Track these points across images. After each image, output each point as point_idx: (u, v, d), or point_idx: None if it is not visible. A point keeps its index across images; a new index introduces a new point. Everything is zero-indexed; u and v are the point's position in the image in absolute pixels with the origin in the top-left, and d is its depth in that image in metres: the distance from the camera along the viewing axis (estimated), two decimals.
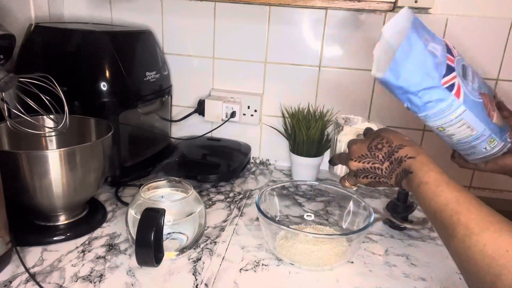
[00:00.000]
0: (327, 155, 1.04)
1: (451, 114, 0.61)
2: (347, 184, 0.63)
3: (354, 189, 0.70)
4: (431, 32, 0.61)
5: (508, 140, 0.68)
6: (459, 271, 0.44)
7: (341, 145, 0.78)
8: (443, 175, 0.49)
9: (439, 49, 0.60)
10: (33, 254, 0.68)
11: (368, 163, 0.56)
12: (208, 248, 0.73)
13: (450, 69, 0.60)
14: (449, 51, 0.61)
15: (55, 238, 0.72)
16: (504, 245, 0.39)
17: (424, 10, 0.96)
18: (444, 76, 0.59)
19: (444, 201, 0.46)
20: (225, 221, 0.83)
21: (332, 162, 0.70)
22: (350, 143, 0.60)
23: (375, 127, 0.70)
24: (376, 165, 0.55)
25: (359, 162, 0.57)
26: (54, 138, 0.83)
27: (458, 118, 0.61)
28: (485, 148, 0.67)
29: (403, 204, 0.85)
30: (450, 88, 0.60)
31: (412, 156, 0.52)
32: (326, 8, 1.00)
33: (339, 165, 0.76)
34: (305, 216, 0.82)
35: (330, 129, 1.04)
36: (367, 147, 0.57)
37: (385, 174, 0.55)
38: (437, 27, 0.97)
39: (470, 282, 0.42)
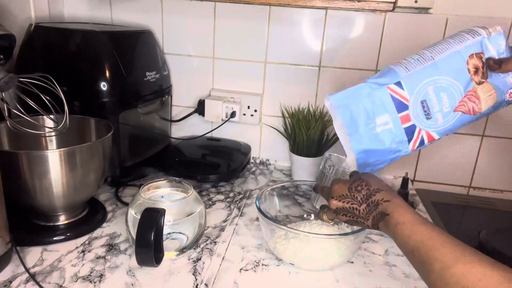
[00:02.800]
0: None
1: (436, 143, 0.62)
2: (325, 218, 0.66)
3: (331, 223, 0.71)
4: (373, 101, 0.60)
5: (509, 100, 0.62)
6: None
7: (328, 181, 0.80)
8: (417, 215, 0.52)
9: (389, 117, 0.59)
10: (33, 254, 0.68)
11: (347, 203, 0.59)
12: (208, 248, 0.73)
13: (410, 130, 0.59)
14: (398, 104, 0.59)
15: (55, 238, 0.72)
16: (477, 275, 0.41)
17: (424, 10, 0.96)
18: (409, 141, 0.60)
19: (419, 238, 0.48)
20: (225, 221, 0.83)
21: (315, 190, 0.72)
22: (333, 182, 0.63)
23: None
24: (355, 206, 0.58)
25: (339, 201, 0.60)
26: (54, 138, 0.83)
27: (444, 136, 0.61)
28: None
29: None
30: (421, 143, 0.60)
31: (388, 199, 0.55)
32: (326, 8, 1.00)
33: (319, 201, 0.78)
34: (305, 216, 0.82)
35: (330, 129, 1.04)
36: (348, 187, 0.60)
37: (362, 215, 0.58)
38: (437, 27, 0.97)
39: None
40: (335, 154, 0.82)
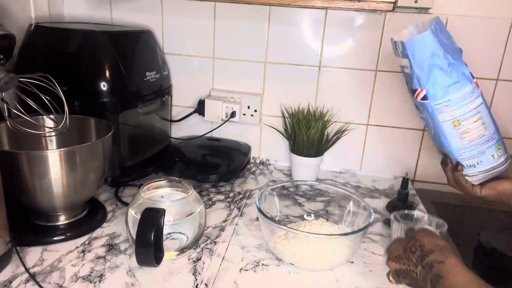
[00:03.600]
0: (327, 155, 1.04)
1: (471, 103, 0.62)
2: (391, 279, 0.62)
3: (400, 286, 0.67)
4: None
5: (508, 154, 0.67)
6: None
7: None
8: (471, 278, 0.51)
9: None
10: (33, 254, 0.68)
11: (403, 264, 0.57)
12: (208, 248, 0.73)
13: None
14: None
15: (55, 238, 0.72)
16: None
17: (424, 10, 0.96)
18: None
19: None
20: (225, 221, 0.83)
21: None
22: (390, 245, 0.61)
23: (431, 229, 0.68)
24: (411, 268, 0.56)
25: (396, 262, 0.58)
26: (54, 138, 0.83)
27: (476, 110, 0.62)
28: (493, 156, 0.65)
29: (403, 204, 0.85)
30: (472, 75, 0.62)
31: (441, 260, 0.53)
32: (326, 8, 1.00)
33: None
34: (305, 216, 0.82)
35: (330, 129, 1.04)
36: (403, 248, 0.58)
37: (420, 277, 0.56)
38: None
39: None
40: (400, 212, 0.75)
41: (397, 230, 0.71)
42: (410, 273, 0.56)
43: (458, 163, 0.70)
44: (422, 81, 0.64)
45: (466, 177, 0.71)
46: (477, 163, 0.67)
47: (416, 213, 0.75)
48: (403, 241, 0.59)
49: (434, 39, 0.61)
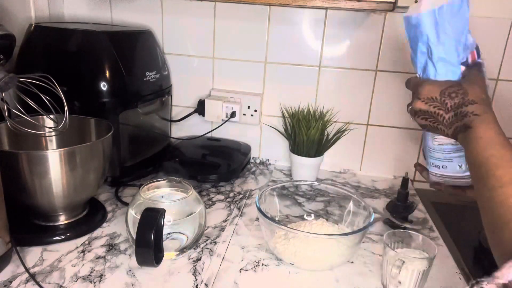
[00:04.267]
0: (327, 155, 1.04)
1: None
2: (410, 113, 0.60)
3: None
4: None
5: None
6: (484, 226, 0.48)
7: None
8: (500, 136, 0.50)
9: (471, 40, 0.61)
10: (33, 254, 0.68)
11: (434, 107, 0.55)
12: (208, 248, 0.73)
13: (466, 64, 0.60)
14: (477, 49, 0.61)
15: (55, 238, 0.72)
16: None
17: None
18: (462, 64, 0.59)
19: (488, 155, 0.48)
20: (225, 221, 0.83)
21: (408, 83, 0.64)
22: (424, 82, 0.57)
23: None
24: (441, 112, 0.54)
25: (425, 103, 0.56)
26: (54, 138, 0.83)
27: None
28: (460, 166, 0.63)
29: (403, 204, 0.85)
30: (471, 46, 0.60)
31: (478, 114, 0.52)
32: (326, 8, 1.00)
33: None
34: (305, 216, 0.82)
35: (330, 129, 1.04)
36: (440, 91, 0.55)
37: (446, 123, 0.54)
38: None
39: (490, 235, 0.45)
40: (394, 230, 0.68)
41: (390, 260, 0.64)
42: (437, 116, 0.54)
43: (418, 164, 0.72)
44: (415, 66, 0.61)
45: (429, 174, 0.69)
46: (441, 166, 0.66)
47: (410, 233, 0.68)
48: (442, 84, 0.56)
49: (431, 22, 0.56)
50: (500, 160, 0.46)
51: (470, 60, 0.60)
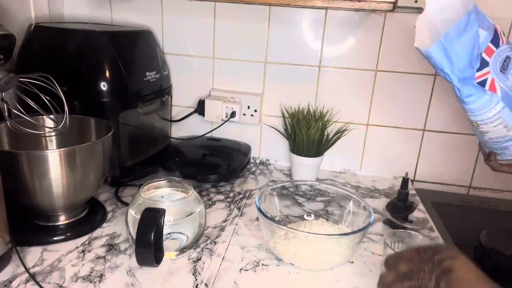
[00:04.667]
0: (327, 155, 1.04)
1: (489, 112, 0.60)
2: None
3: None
4: (481, 14, 0.59)
5: None
6: None
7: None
8: (482, 275, 0.50)
9: (483, 37, 0.59)
10: (33, 254, 0.68)
11: (415, 266, 0.55)
12: (208, 248, 0.73)
13: (484, 64, 0.58)
14: (495, 39, 0.59)
15: (55, 238, 0.72)
16: None
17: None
18: (478, 70, 0.59)
19: None
20: (225, 221, 0.83)
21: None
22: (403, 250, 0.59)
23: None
24: (422, 267, 0.55)
25: (406, 264, 0.56)
26: (54, 138, 0.83)
27: (496, 116, 0.60)
28: None
29: (403, 204, 0.85)
30: (483, 83, 0.59)
31: (453, 256, 0.53)
32: (326, 8, 1.00)
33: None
34: (305, 216, 0.82)
35: (330, 129, 1.04)
36: (416, 250, 0.56)
37: (426, 276, 0.54)
38: None
39: None
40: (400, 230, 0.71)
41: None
42: (419, 273, 0.55)
43: (490, 154, 0.72)
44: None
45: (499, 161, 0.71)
46: (501, 153, 0.69)
47: (410, 233, 0.70)
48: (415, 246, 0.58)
49: (440, 53, 0.57)
50: None
51: (487, 58, 0.59)
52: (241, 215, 0.86)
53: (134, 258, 0.63)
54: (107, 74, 0.86)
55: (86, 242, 0.72)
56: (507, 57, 0.60)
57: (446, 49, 0.57)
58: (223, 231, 0.79)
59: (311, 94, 1.08)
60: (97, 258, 0.68)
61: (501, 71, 0.59)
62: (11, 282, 0.61)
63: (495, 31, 0.59)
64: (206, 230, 0.78)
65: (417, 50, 0.61)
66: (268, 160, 1.15)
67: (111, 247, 0.71)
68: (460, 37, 0.56)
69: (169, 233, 0.68)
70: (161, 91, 1.03)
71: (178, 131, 1.17)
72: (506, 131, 0.63)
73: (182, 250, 0.70)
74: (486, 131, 0.64)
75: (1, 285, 0.60)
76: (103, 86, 0.85)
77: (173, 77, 1.11)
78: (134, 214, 0.68)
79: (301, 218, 0.82)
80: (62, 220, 0.75)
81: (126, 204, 0.85)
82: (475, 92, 0.59)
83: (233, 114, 1.09)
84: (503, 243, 0.79)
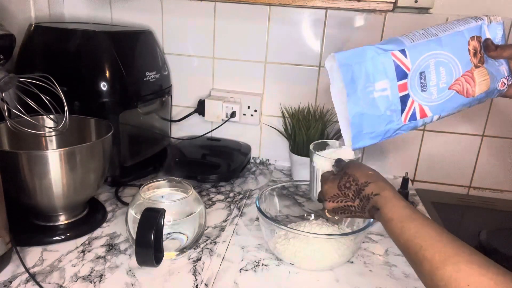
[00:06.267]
0: None
1: (430, 123, 0.62)
2: (328, 214, 0.63)
3: (337, 218, 0.69)
4: (374, 64, 0.59)
5: (500, 89, 0.63)
6: None
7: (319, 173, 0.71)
8: (406, 209, 0.50)
9: (388, 84, 0.59)
10: (33, 254, 0.68)
11: (341, 202, 0.58)
12: (208, 248, 0.73)
13: (404, 99, 0.59)
14: (398, 71, 0.59)
15: (55, 238, 0.72)
16: (465, 279, 0.40)
17: (424, 10, 0.96)
18: (402, 111, 0.60)
19: (408, 236, 0.47)
20: (225, 221, 0.83)
21: (320, 199, 0.67)
22: (322, 183, 0.62)
23: (349, 155, 0.68)
24: (349, 203, 0.57)
25: (333, 202, 0.59)
26: (54, 138, 0.83)
27: (439, 119, 0.62)
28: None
29: None
30: (413, 117, 0.60)
31: (377, 193, 0.54)
32: (326, 8, 1.00)
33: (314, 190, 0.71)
34: (305, 216, 0.82)
35: (330, 129, 1.04)
36: (337, 186, 0.59)
37: (358, 209, 0.57)
38: None
39: None
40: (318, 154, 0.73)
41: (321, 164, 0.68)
42: (349, 208, 0.57)
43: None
44: None
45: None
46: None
47: (331, 142, 0.74)
48: (335, 180, 0.59)
49: (362, 143, 0.60)
50: (421, 239, 0.46)
51: (403, 93, 0.60)
52: (241, 215, 0.85)
53: (134, 258, 0.63)
54: (107, 74, 0.86)
55: (86, 242, 0.72)
56: (421, 74, 0.60)
57: (362, 140, 0.60)
58: (223, 231, 0.79)
59: (311, 94, 1.08)
60: (97, 258, 0.68)
61: (422, 91, 0.60)
62: (11, 282, 0.61)
63: (394, 62, 0.59)
64: (206, 230, 0.78)
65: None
66: (268, 160, 1.15)
67: (111, 247, 0.71)
68: (361, 128, 0.59)
69: (169, 233, 0.68)
70: (161, 91, 1.03)
71: (178, 131, 1.17)
72: (457, 110, 0.63)
73: (182, 250, 0.70)
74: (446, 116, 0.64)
75: (1, 285, 0.60)
76: (103, 86, 0.85)
77: (173, 77, 1.11)
78: (134, 214, 0.68)
79: (301, 218, 0.82)
80: (62, 220, 0.75)
81: (126, 204, 0.85)
82: (412, 127, 0.61)
83: (233, 114, 1.09)
84: (503, 243, 0.79)
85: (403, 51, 0.59)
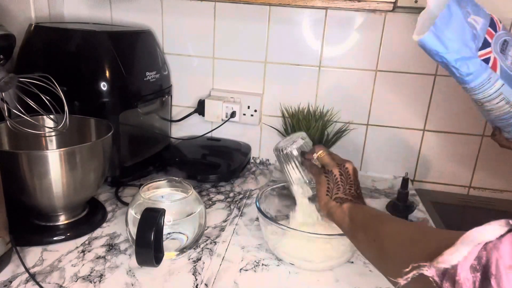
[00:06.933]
0: None
1: (490, 88, 0.64)
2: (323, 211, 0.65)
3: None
4: (477, 5, 0.65)
5: None
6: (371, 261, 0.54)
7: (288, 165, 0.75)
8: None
9: (480, 23, 0.63)
10: (33, 254, 0.68)
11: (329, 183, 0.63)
12: (208, 248, 0.73)
13: (486, 44, 0.63)
14: (492, 25, 0.64)
15: (55, 238, 0.72)
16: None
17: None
18: (480, 49, 0.63)
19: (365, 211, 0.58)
20: (225, 221, 0.83)
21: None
22: (319, 198, 0.64)
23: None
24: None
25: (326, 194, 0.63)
26: (54, 138, 0.83)
27: (497, 92, 0.64)
28: None
29: (403, 204, 0.85)
30: (486, 61, 0.63)
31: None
32: (326, 8, 1.00)
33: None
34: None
35: (330, 129, 1.04)
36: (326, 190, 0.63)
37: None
38: None
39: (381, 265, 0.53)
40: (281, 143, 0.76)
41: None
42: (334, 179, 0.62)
43: (494, 129, 0.76)
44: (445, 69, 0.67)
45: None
46: (507, 131, 0.72)
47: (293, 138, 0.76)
48: (321, 188, 0.63)
49: (434, 40, 0.62)
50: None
51: (489, 39, 0.64)
52: (241, 215, 0.86)
53: (134, 258, 0.63)
54: (107, 74, 0.86)
55: (86, 242, 0.72)
56: (505, 41, 0.65)
57: (438, 36, 0.62)
58: (223, 231, 0.79)
59: (311, 94, 1.08)
60: (97, 258, 0.68)
61: (501, 52, 0.64)
62: (11, 282, 0.61)
63: (492, 19, 0.65)
64: (206, 230, 0.78)
65: (415, 42, 0.65)
66: (268, 160, 1.15)
67: (111, 247, 0.71)
68: (448, 24, 0.62)
69: (169, 233, 0.68)
70: (161, 91, 1.03)
71: (178, 131, 1.17)
72: (509, 108, 0.66)
73: (182, 250, 0.70)
74: (491, 109, 0.67)
75: (1, 285, 0.60)
76: (103, 86, 0.85)
77: (173, 77, 1.11)
78: (134, 214, 0.68)
79: None
80: (62, 220, 0.75)
81: (126, 204, 0.85)
82: (474, 70, 0.63)
83: (233, 114, 1.09)
84: None
85: (494, 20, 0.66)
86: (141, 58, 0.96)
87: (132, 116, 0.93)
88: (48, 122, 0.81)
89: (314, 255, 0.67)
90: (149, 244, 0.60)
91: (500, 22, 0.66)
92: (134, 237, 0.62)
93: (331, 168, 0.63)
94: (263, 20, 1.04)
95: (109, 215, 0.81)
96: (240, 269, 0.68)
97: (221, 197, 0.93)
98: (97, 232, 0.76)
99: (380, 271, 0.51)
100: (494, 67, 0.63)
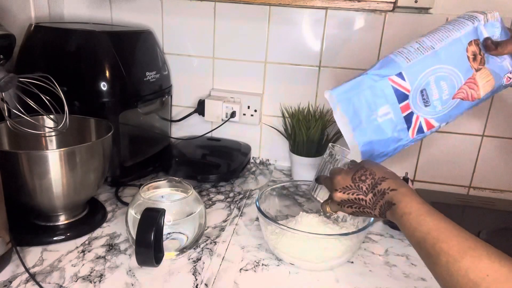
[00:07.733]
0: None
1: (436, 132, 0.63)
2: (328, 209, 0.63)
3: (335, 215, 0.70)
4: (372, 85, 0.61)
5: (506, 84, 0.63)
6: None
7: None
8: (424, 205, 0.51)
9: (389, 108, 0.60)
10: (33, 254, 0.68)
11: (352, 194, 0.57)
12: (208, 248, 0.73)
13: (409, 117, 0.60)
14: (399, 95, 0.59)
15: (55, 238, 0.72)
16: (484, 269, 0.41)
17: (424, 10, 0.95)
18: (409, 128, 0.60)
19: (426, 230, 0.48)
20: (225, 221, 0.83)
21: (318, 180, 0.69)
22: (334, 174, 0.61)
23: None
24: (360, 197, 0.57)
25: (343, 193, 0.58)
26: (54, 138, 0.83)
27: (447, 124, 0.63)
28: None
29: None
30: (420, 130, 0.61)
31: (394, 188, 0.54)
32: (326, 8, 1.00)
33: (321, 191, 0.72)
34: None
35: (330, 129, 1.04)
36: (351, 178, 0.58)
37: (369, 205, 0.56)
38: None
39: None
40: (339, 146, 0.75)
41: (333, 161, 0.70)
42: (359, 201, 0.57)
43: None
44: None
45: None
46: None
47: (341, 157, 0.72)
48: (349, 172, 0.59)
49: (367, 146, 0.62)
50: (439, 232, 0.46)
51: (405, 112, 0.61)
52: (241, 215, 0.86)
53: (134, 258, 0.64)
54: (107, 74, 0.86)
55: (86, 242, 0.72)
56: (422, 91, 0.60)
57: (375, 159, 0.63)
58: (223, 231, 0.79)
59: (311, 94, 1.08)
60: (97, 258, 0.68)
61: (426, 107, 0.60)
62: (11, 282, 0.61)
63: (392, 86, 0.60)
64: (206, 230, 0.78)
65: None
66: (268, 160, 1.15)
67: (111, 247, 0.71)
68: (373, 148, 0.62)
69: (169, 233, 0.68)
70: (161, 91, 1.03)
71: (178, 131, 1.17)
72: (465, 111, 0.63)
73: (182, 250, 0.70)
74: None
75: (1, 285, 0.60)
76: (103, 86, 0.85)
77: (173, 77, 1.11)
78: (134, 214, 0.68)
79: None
80: (62, 220, 0.75)
81: (126, 204, 0.85)
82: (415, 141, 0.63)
83: (233, 114, 1.09)
84: (503, 243, 0.79)
85: (400, 75, 0.59)
86: (141, 58, 0.96)
87: (132, 116, 0.93)
88: (48, 122, 0.81)
89: (314, 255, 0.67)
90: (149, 244, 0.60)
91: (404, 79, 0.59)
92: (134, 237, 0.62)
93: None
94: (263, 20, 1.04)
95: (109, 215, 0.81)
96: (240, 269, 0.68)
97: (221, 197, 0.93)
98: (97, 232, 0.76)
99: None
100: (428, 126, 0.61)
